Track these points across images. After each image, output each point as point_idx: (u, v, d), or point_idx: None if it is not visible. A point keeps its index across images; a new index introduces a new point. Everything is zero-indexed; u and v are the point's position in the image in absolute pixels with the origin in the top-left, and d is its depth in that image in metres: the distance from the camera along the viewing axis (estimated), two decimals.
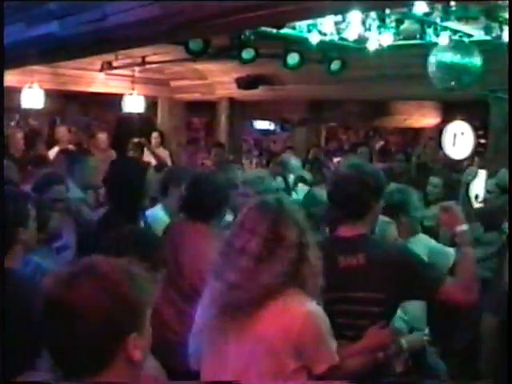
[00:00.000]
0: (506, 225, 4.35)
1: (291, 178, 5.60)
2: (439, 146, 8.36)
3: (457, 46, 5.38)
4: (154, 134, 9.49)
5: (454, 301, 2.62)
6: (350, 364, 2.36)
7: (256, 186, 3.88)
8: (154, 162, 8.23)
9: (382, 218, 3.26)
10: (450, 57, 5.23)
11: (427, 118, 10.82)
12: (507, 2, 5.05)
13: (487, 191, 5.61)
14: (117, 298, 1.42)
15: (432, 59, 5.33)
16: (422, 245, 3.80)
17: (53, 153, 7.61)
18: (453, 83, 5.18)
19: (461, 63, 5.17)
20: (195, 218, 3.39)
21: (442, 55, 5.29)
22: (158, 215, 4.11)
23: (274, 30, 5.75)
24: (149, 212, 4.07)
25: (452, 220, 2.75)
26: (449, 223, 2.77)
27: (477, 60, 5.21)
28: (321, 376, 2.21)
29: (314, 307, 2.19)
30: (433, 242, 4.02)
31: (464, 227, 2.70)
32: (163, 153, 8.98)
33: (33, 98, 8.58)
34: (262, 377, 2.16)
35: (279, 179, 5.11)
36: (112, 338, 1.42)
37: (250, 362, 2.17)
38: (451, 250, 3.62)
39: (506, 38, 5.46)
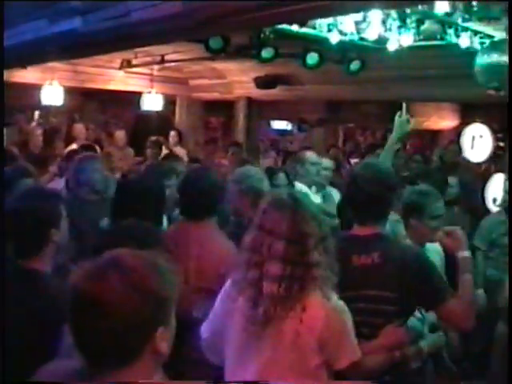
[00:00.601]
0: None
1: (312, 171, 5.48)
2: (459, 148, 8.33)
3: (501, 46, 5.36)
4: (172, 133, 9.54)
5: (453, 321, 2.64)
6: (367, 362, 2.36)
7: (241, 184, 3.81)
8: None
9: (391, 216, 3.18)
10: (495, 57, 5.21)
11: (445, 121, 10.74)
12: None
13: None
14: (144, 291, 1.42)
15: (478, 60, 5.33)
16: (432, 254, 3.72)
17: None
18: (496, 84, 5.17)
19: (502, 63, 5.15)
20: (197, 217, 3.26)
21: (486, 56, 5.28)
22: None
23: (294, 29, 5.75)
24: None
25: (455, 245, 2.75)
26: (451, 247, 2.78)
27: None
28: (341, 372, 2.22)
29: (337, 302, 2.22)
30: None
31: (466, 254, 2.70)
32: (180, 151, 9.01)
33: (52, 95, 8.66)
34: (284, 373, 2.17)
35: (282, 175, 5.03)
36: (140, 332, 1.42)
37: (272, 357, 2.19)
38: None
39: None
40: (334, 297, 2.21)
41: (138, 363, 1.43)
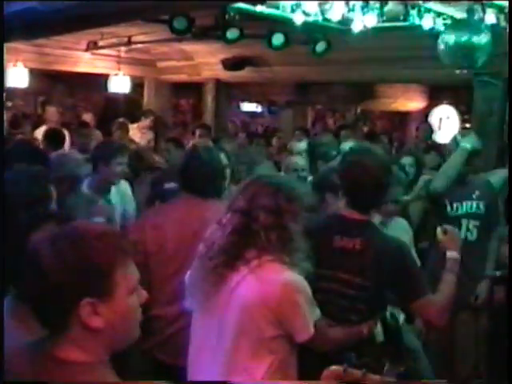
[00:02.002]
0: None
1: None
2: (430, 128, 8.41)
3: (464, 24, 5.40)
4: (149, 116, 9.37)
5: (425, 317, 2.70)
6: (333, 333, 2.46)
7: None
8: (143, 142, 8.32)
9: None
10: (458, 36, 5.24)
11: (413, 102, 10.84)
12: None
13: None
14: (70, 258, 1.35)
15: (441, 39, 5.36)
16: (398, 229, 3.76)
17: (40, 132, 7.59)
18: (462, 62, 5.21)
19: (468, 42, 5.18)
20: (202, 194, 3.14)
21: (449, 35, 5.31)
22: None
23: (259, 10, 5.74)
24: None
25: (449, 243, 2.79)
26: (444, 245, 2.81)
27: (484, 38, 5.22)
28: (304, 344, 2.27)
29: (292, 277, 2.24)
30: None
31: (456, 254, 2.74)
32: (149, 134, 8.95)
33: (17, 77, 8.52)
34: (236, 336, 2.22)
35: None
36: (60, 301, 1.35)
37: (231, 325, 2.23)
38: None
39: (488, 19, 5.51)
40: (288, 271, 2.24)
41: (67, 337, 1.38)
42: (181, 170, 3.22)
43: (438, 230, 2.88)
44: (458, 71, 5.56)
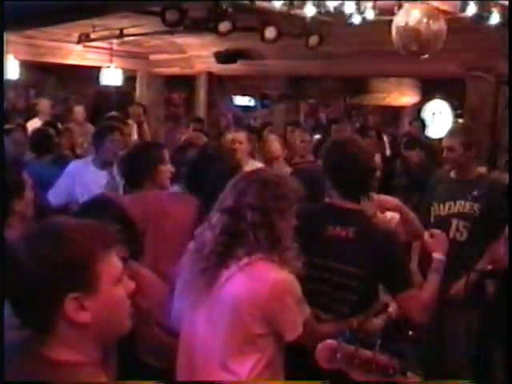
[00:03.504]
0: None
1: None
2: (423, 124, 8.40)
3: (417, 10, 5.24)
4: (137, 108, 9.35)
5: (406, 312, 2.65)
6: (323, 329, 2.42)
7: None
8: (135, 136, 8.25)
9: None
10: (410, 20, 5.07)
11: (406, 97, 10.85)
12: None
13: None
14: (46, 254, 1.32)
15: (393, 24, 5.20)
16: None
17: (32, 124, 7.55)
18: (415, 48, 5.05)
19: (421, 27, 5.04)
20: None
21: (401, 19, 5.15)
22: None
23: (249, 2, 5.72)
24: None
25: (436, 246, 2.81)
26: (431, 248, 2.82)
27: (439, 25, 5.07)
28: (294, 342, 2.25)
29: (282, 276, 2.21)
30: None
31: (441, 257, 2.76)
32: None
33: (8, 69, 8.45)
34: (225, 334, 2.20)
35: None
36: (43, 299, 1.32)
37: (219, 324, 2.21)
38: None
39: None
40: (279, 269, 2.21)
41: (55, 336, 1.36)
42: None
43: (426, 233, 2.91)
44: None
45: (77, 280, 1.33)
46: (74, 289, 1.33)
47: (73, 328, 1.35)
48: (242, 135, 5.23)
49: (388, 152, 7.88)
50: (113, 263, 1.40)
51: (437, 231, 2.90)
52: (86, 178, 4.57)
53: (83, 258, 1.34)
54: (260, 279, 2.18)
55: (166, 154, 3.76)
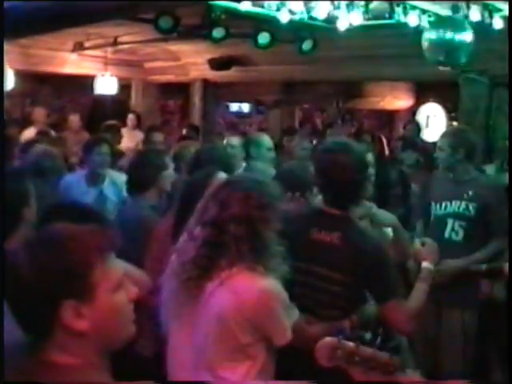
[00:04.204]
0: None
1: None
2: (418, 127, 8.44)
3: (448, 22, 5.41)
4: (130, 116, 9.40)
5: (392, 320, 2.58)
6: (313, 331, 2.40)
7: None
8: (131, 144, 8.25)
9: None
10: (441, 33, 5.24)
11: (400, 100, 10.87)
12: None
13: None
14: (44, 261, 1.32)
15: (424, 36, 5.37)
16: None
17: (28, 133, 7.55)
18: (442, 59, 5.21)
19: (451, 39, 5.18)
20: None
21: (432, 32, 5.32)
22: None
23: (244, 9, 5.74)
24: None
25: (426, 255, 2.81)
26: (422, 257, 2.82)
27: (467, 36, 5.22)
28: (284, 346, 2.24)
29: (266, 284, 2.18)
30: None
31: (430, 266, 2.75)
32: (138, 135, 8.90)
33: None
34: (214, 344, 2.19)
35: None
36: (40, 307, 1.32)
37: (207, 335, 2.21)
38: None
39: (473, 17, 5.53)
40: (264, 278, 2.18)
41: (53, 342, 1.35)
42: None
43: (417, 241, 2.89)
44: (441, 68, 5.56)
45: (74, 288, 1.33)
46: (71, 296, 1.32)
47: (71, 335, 1.34)
48: (235, 140, 5.31)
49: (387, 153, 7.95)
50: (111, 269, 1.39)
51: (428, 240, 2.90)
52: (74, 197, 4.50)
53: (80, 266, 1.34)
54: (245, 290, 2.16)
55: (169, 160, 4.03)
